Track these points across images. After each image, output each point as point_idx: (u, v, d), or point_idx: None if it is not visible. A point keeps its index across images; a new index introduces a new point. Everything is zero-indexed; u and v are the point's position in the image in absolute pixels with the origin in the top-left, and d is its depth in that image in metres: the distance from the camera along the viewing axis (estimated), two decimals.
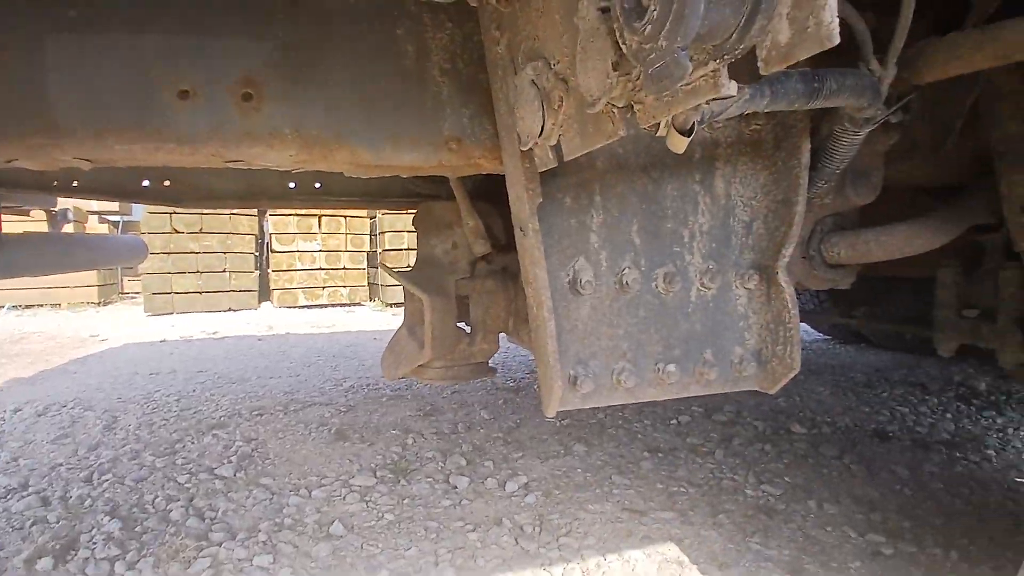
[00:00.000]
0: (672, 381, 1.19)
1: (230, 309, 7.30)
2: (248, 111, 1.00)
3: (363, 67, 1.05)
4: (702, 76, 0.48)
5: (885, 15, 1.01)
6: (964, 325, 1.64)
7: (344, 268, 7.81)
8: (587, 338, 1.16)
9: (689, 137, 0.72)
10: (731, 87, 0.47)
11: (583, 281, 1.12)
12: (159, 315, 6.89)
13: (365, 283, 7.97)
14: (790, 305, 1.20)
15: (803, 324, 4.90)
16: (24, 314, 7.03)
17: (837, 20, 0.41)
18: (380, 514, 1.68)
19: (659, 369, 1.20)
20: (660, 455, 2.10)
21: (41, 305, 7.45)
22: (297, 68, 1.02)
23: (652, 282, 1.19)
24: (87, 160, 1.00)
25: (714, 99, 0.55)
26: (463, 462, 2.03)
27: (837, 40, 0.41)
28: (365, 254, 7.92)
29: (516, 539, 1.53)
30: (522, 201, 0.99)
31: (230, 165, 1.07)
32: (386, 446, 2.20)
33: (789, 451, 2.15)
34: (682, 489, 1.83)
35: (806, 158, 1.17)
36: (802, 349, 1.22)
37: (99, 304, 7.81)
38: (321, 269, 7.69)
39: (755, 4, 0.42)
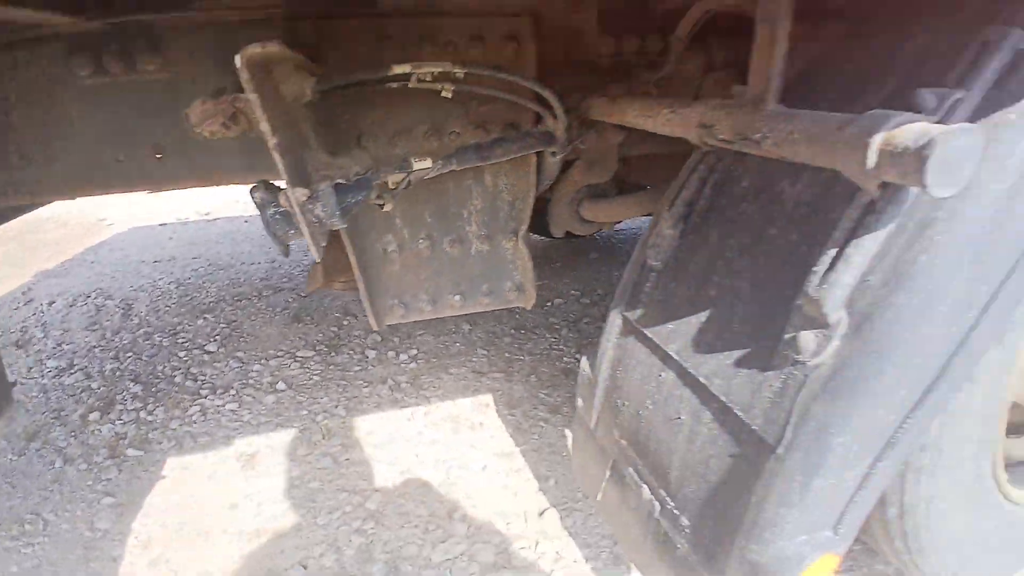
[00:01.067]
0: (458, 306, 2.02)
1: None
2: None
3: None
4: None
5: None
6: None
7: None
8: (399, 283, 1.96)
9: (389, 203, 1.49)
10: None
11: (389, 250, 1.90)
12: None
13: None
14: (527, 256, 1.97)
15: None
16: None
17: (339, 221, 1.17)
18: (311, 376, 2.64)
19: (449, 298, 2.01)
20: (523, 332, 3.00)
21: None
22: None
23: (442, 246, 1.95)
24: None
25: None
26: (378, 339, 2.96)
27: (344, 224, 1.18)
28: None
29: (392, 391, 2.48)
30: None
31: None
32: (328, 326, 3.13)
33: None
34: (520, 357, 2.74)
35: (534, 166, 1.86)
36: None
37: None
38: None
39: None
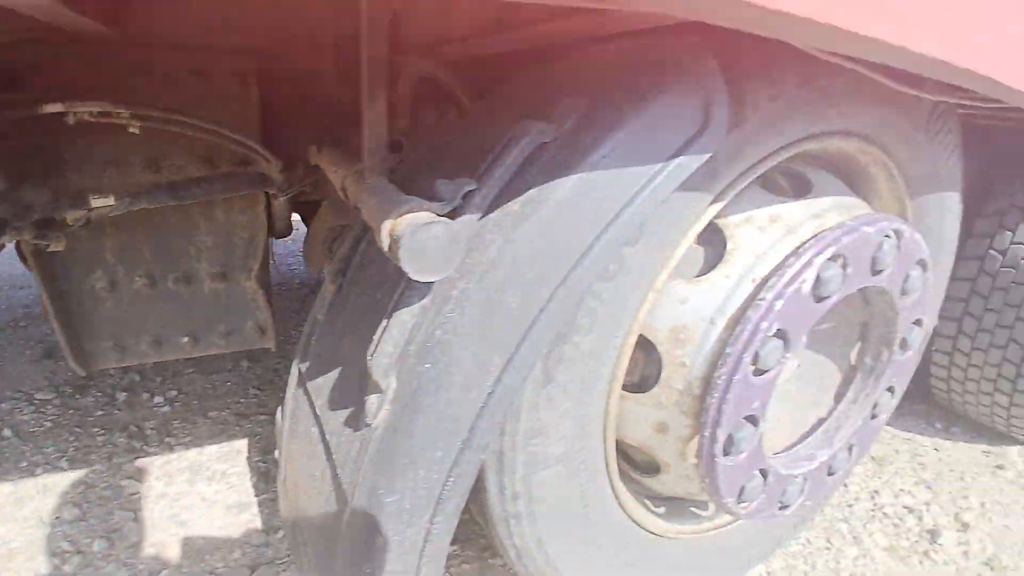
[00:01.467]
0: (189, 348, 1.95)
1: None
2: None
3: None
4: None
5: None
6: None
7: None
8: (117, 323, 1.86)
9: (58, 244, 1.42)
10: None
11: (98, 287, 1.80)
12: None
13: None
14: (263, 294, 1.95)
15: None
16: None
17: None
18: (43, 421, 2.43)
19: (178, 340, 1.94)
20: None
21: None
22: None
23: (165, 284, 1.88)
24: None
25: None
26: (137, 378, 2.78)
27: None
28: None
29: (131, 439, 2.34)
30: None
31: None
32: None
33: None
34: None
35: (263, 206, 1.87)
36: None
37: None
38: None
39: None
